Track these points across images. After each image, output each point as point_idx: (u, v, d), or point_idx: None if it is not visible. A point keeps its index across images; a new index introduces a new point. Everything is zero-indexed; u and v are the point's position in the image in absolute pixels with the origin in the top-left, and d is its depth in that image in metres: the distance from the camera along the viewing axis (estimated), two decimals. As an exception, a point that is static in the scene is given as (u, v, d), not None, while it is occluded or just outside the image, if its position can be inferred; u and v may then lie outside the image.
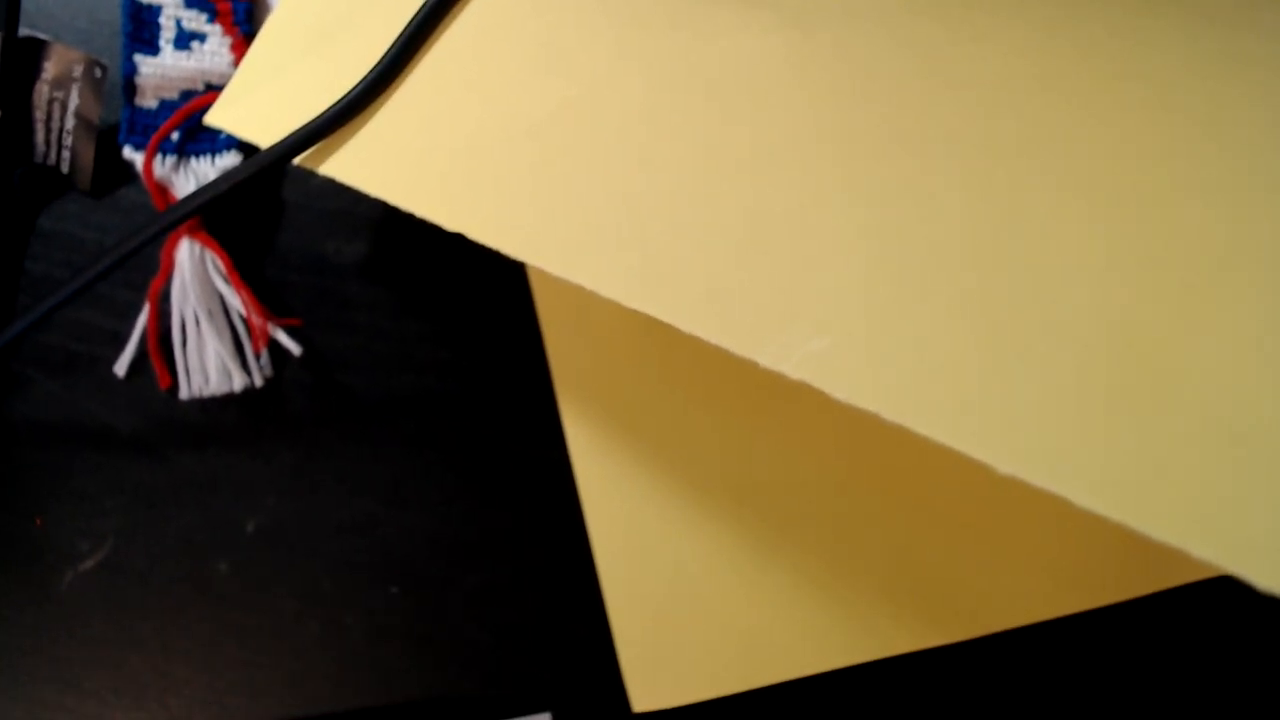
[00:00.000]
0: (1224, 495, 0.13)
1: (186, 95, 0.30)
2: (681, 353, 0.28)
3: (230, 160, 0.30)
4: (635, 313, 0.18)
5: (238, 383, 0.30)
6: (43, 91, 0.29)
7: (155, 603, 0.30)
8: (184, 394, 0.30)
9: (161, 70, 0.30)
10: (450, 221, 0.21)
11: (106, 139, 0.30)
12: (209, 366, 0.30)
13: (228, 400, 0.30)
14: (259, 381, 0.30)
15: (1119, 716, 0.28)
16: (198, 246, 0.29)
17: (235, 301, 0.30)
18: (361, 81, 0.23)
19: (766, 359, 0.17)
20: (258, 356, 0.30)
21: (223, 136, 0.30)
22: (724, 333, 0.17)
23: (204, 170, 0.30)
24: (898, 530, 0.26)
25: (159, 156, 0.29)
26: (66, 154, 0.30)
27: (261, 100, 0.25)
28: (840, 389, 0.16)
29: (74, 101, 0.29)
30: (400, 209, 0.22)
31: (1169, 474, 0.14)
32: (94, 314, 0.30)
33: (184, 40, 0.30)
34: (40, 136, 0.29)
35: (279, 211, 0.31)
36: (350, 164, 0.23)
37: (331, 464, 0.30)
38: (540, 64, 0.22)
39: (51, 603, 0.30)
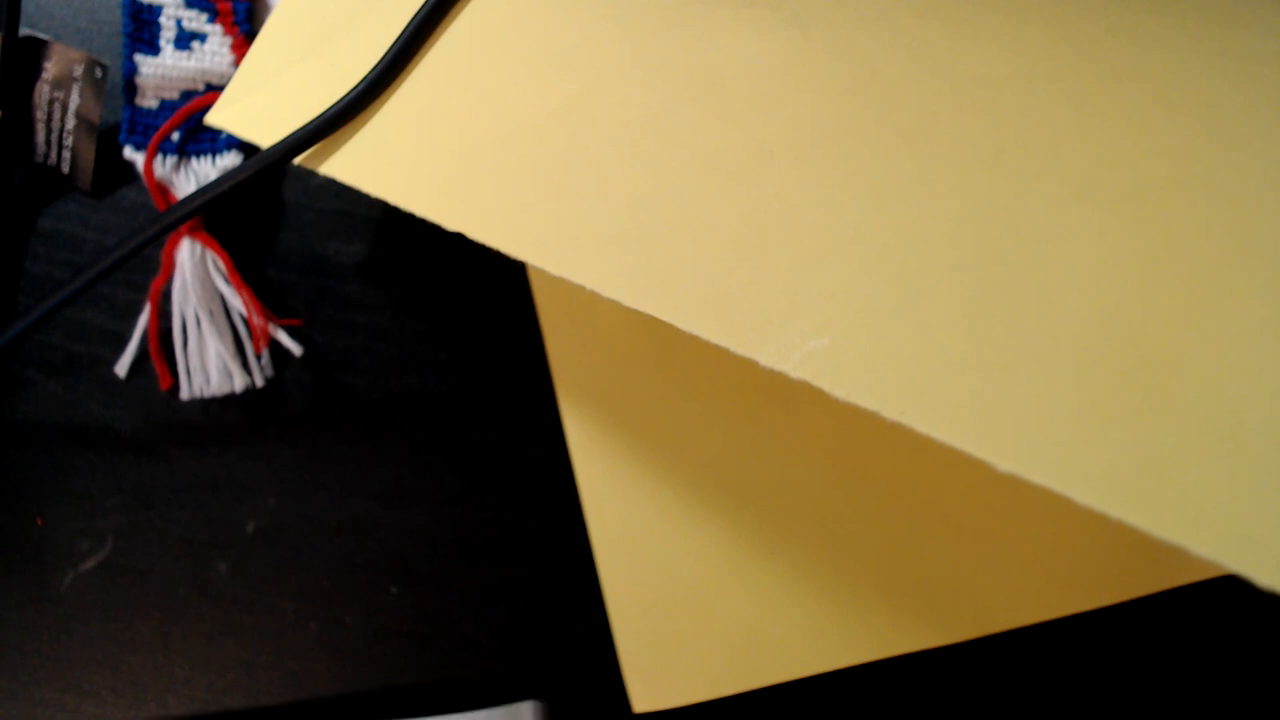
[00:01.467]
0: (1224, 493, 0.13)
1: (187, 95, 0.30)
2: (681, 353, 0.28)
3: (230, 160, 0.30)
4: (635, 313, 0.18)
5: (239, 383, 0.30)
6: (43, 91, 0.29)
7: (155, 603, 0.30)
8: (185, 394, 0.30)
9: (162, 70, 0.30)
10: (450, 221, 0.21)
11: (107, 139, 0.30)
12: (210, 367, 0.30)
13: (228, 400, 0.30)
14: (260, 382, 0.30)
15: (1119, 716, 0.28)
16: (199, 246, 0.29)
17: (236, 302, 0.30)
18: (361, 81, 0.23)
19: (766, 358, 0.17)
20: (259, 357, 0.30)
21: (223, 136, 0.30)
22: (724, 332, 0.17)
23: (204, 170, 0.30)
24: (898, 530, 0.26)
25: (159, 156, 0.29)
26: (67, 154, 0.30)
27: (262, 100, 0.25)
28: (840, 388, 0.16)
29: (74, 101, 0.29)
30: (400, 209, 0.22)
31: (1169, 471, 0.14)
32: (94, 314, 0.30)
33: (184, 40, 0.30)
34: (41, 136, 0.29)
35: (279, 211, 0.31)
36: (350, 164, 0.23)
37: (331, 464, 0.30)
38: (540, 64, 0.22)
39: (51, 603, 0.30)
